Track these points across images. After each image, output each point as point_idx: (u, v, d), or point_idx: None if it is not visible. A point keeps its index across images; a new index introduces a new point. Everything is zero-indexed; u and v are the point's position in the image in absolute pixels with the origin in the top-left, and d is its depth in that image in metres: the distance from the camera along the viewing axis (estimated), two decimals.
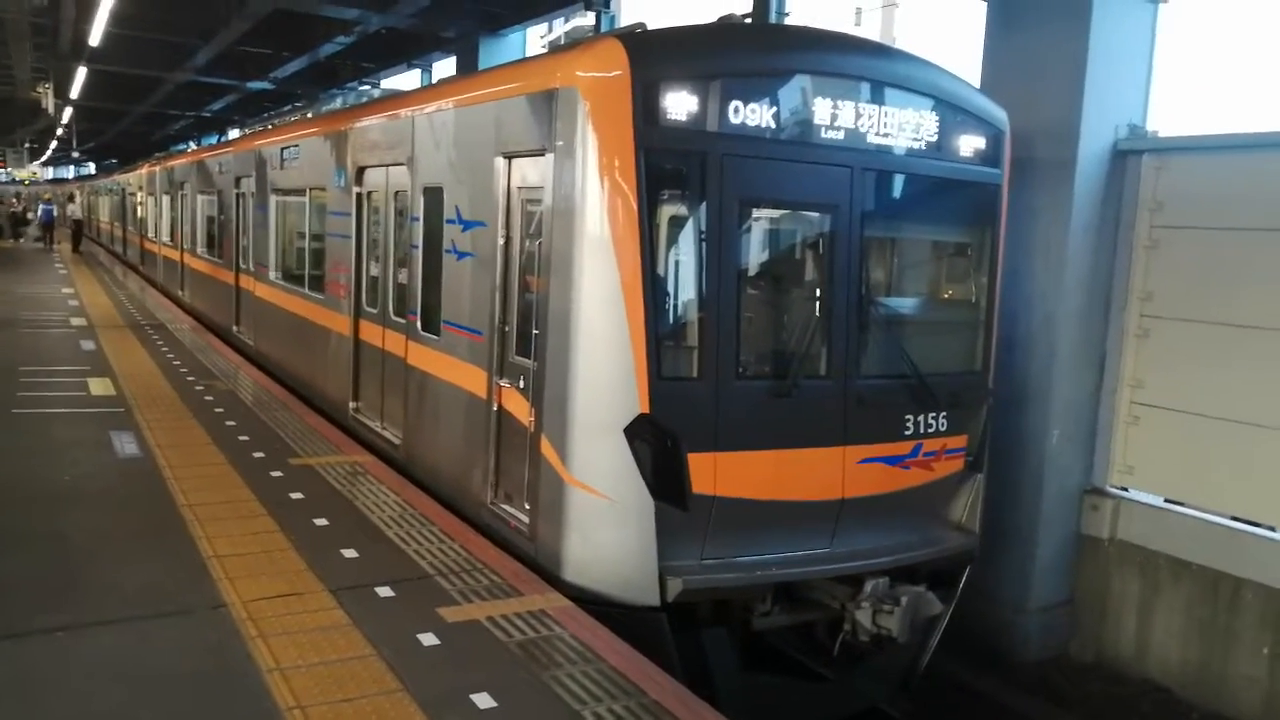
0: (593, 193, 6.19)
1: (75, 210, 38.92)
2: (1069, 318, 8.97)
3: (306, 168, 12.46)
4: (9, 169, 64.25)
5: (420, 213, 8.73)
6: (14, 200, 54.06)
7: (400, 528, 7.20)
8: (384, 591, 6.02)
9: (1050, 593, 9.34)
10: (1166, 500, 8.95)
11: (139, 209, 29.37)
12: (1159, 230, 8.84)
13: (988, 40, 9.46)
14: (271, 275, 14.18)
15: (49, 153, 70.41)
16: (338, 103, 13.42)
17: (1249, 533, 8.25)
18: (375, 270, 10.09)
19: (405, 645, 5.29)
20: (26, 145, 60.12)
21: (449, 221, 8.12)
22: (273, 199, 14.10)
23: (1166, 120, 9.49)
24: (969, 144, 7.36)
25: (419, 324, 8.78)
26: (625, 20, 19.13)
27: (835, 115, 6.67)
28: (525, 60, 7.69)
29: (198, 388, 11.92)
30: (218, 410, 10.71)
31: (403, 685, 4.85)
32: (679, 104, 6.16)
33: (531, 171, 6.93)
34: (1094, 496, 9.27)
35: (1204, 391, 8.47)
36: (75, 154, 68.98)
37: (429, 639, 5.38)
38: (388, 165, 9.63)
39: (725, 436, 6.44)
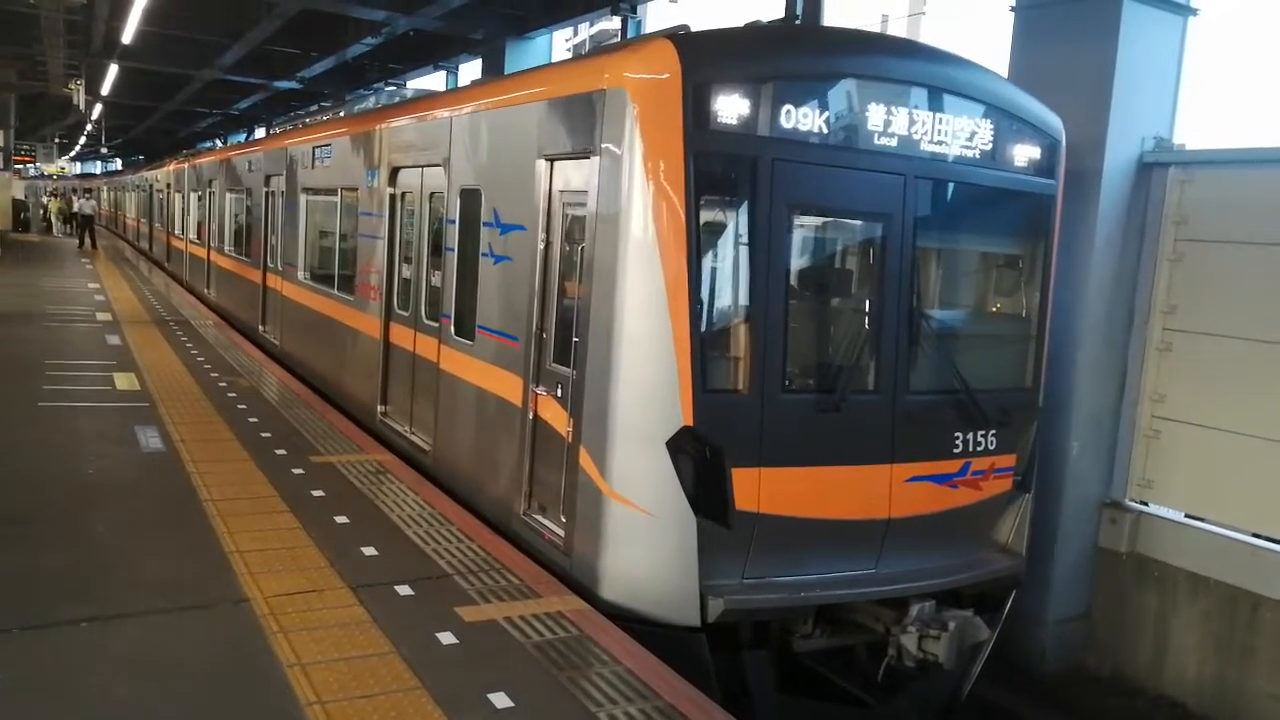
0: (639, 197, 6.01)
1: (84, 206, 38.92)
2: (1091, 330, 8.95)
3: (339, 167, 12.39)
4: (38, 164, 64.86)
5: (456, 215, 8.59)
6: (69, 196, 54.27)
7: (420, 526, 7.26)
8: (403, 590, 6.07)
9: (1067, 605, 9.31)
10: (1186, 515, 8.91)
11: (165, 205, 29.56)
12: (1183, 244, 8.81)
13: (1014, 50, 9.46)
14: (300, 275, 14.12)
15: (77, 148, 71.16)
16: (370, 102, 13.44)
17: (1269, 549, 8.21)
18: (407, 272, 9.96)
19: (424, 643, 5.34)
20: (56, 140, 60.75)
21: (486, 224, 7.97)
22: (303, 198, 14.05)
23: (1195, 134, 9.48)
24: (1024, 153, 7.16)
25: (452, 328, 8.63)
26: (651, 26, 19.19)
27: (889, 121, 6.46)
28: (570, 61, 7.41)
29: (221, 384, 12.02)
30: (240, 407, 10.81)
31: (421, 683, 4.89)
32: (730, 107, 5.98)
33: (575, 175, 6.77)
34: (1113, 510, 9.24)
35: (1225, 407, 8.43)
36: (103, 150, 69.69)
37: (447, 638, 5.43)
38: (423, 166, 9.51)
39: (770, 451, 6.23)
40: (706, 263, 6.27)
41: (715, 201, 6.30)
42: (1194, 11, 9.07)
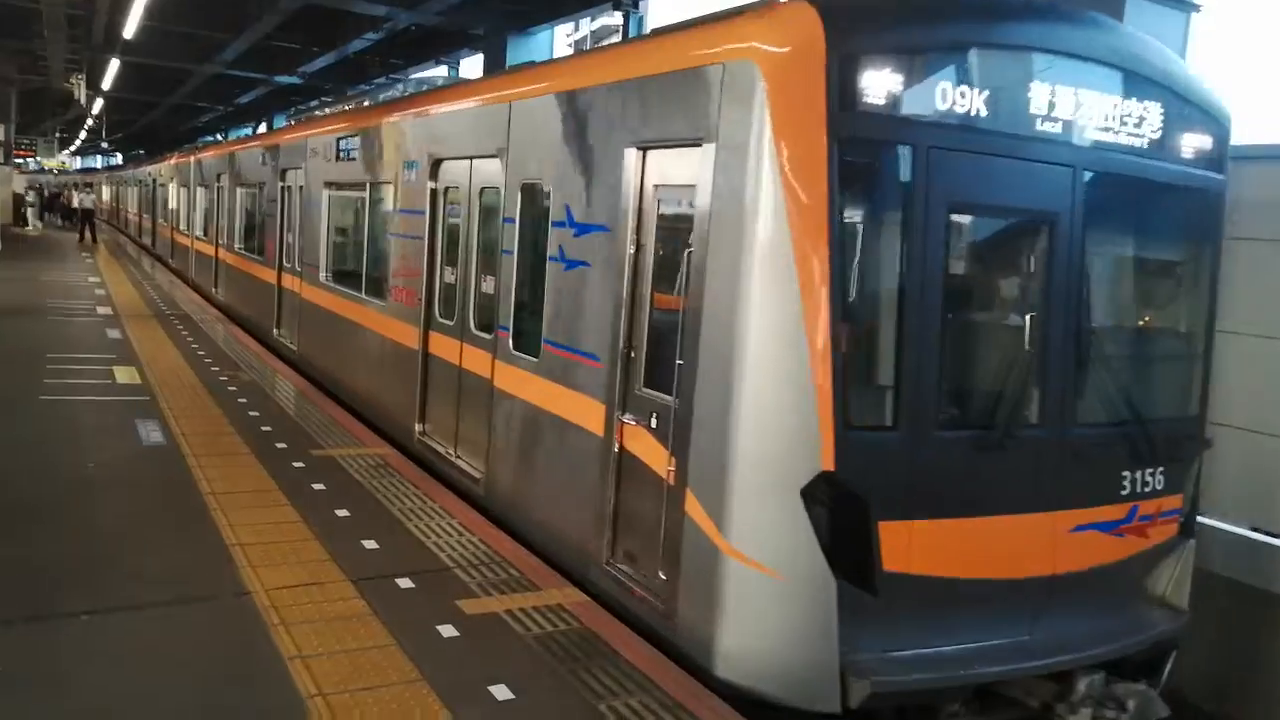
0: (769, 193, 4.96)
1: (84, 200, 38.75)
2: None
3: (368, 160, 11.36)
4: (39, 158, 64.91)
5: (516, 213, 7.59)
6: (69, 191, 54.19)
7: (420, 520, 7.25)
8: (404, 583, 6.06)
9: None
10: None
11: (170, 201, 29.20)
12: None
13: None
14: (321, 276, 13.04)
15: (78, 142, 71.21)
16: (399, 89, 12.85)
17: (1275, 545, 8.20)
18: (451, 276, 8.95)
19: (425, 636, 5.34)
20: (57, 135, 60.76)
21: (556, 224, 6.95)
22: (325, 194, 12.96)
23: None
24: (1195, 142, 6.10)
25: (510, 342, 7.64)
26: (652, 22, 19.18)
27: (1056, 103, 5.44)
28: (670, 29, 6.24)
29: (221, 378, 12.02)
30: (241, 400, 10.81)
31: (422, 675, 4.89)
32: (881, 84, 4.94)
33: (677, 166, 5.73)
34: None
35: (1229, 403, 8.40)
36: (104, 144, 69.78)
37: (448, 630, 5.43)
38: (472, 157, 8.50)
39: (923, 500, 5.24)
40: (850, 272, 5.28)
41: (861, 198, 5.34)
42: (1197, 7, 9.06)
